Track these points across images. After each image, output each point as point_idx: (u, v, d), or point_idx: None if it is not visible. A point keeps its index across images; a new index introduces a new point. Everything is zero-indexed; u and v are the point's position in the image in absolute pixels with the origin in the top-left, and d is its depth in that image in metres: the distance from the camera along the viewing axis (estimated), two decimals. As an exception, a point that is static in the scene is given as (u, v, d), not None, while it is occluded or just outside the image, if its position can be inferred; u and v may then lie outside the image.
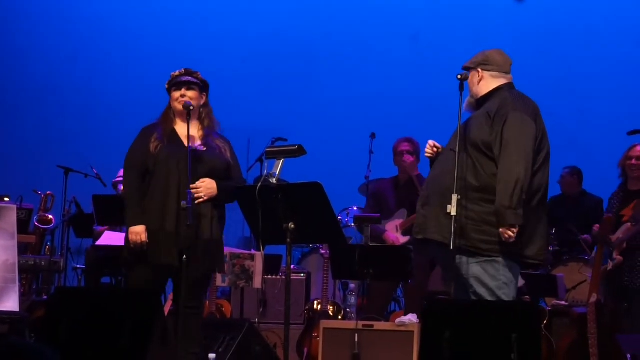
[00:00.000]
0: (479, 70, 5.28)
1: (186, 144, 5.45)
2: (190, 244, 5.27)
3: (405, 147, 7.96)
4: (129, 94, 11.13)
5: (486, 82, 5.28)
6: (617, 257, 6.81)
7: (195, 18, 11.62)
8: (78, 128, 11.15)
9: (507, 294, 4.99)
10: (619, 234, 6.89)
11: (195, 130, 5.59)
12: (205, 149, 5.52)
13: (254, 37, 11.52)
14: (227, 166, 5.61)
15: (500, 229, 4.89)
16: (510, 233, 4.88)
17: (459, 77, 5.16)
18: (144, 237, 5.34)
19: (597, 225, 6.96)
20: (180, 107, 5.52)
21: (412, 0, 11.63)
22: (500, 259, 4.98)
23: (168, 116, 5.61)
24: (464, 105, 5.22)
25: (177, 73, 5.64)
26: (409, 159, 7.90)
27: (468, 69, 5.30)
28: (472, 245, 4.96)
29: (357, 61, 11.38)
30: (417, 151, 7.89)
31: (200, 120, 5.63)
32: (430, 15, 11.49)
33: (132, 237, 5.35)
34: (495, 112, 5.07)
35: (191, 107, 5.46)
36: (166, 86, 5.65)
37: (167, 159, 5.43)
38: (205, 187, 5.39)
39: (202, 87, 5.63)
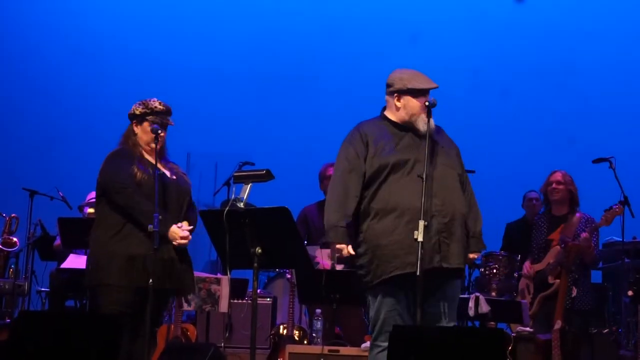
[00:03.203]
0: None
1: (169, 176, 5.49)
2: (172, 269, 5.31)
3: (331, 172, 7.98)
4: (95, 117, 11.09)
5: None
6: (555, 281, 7.08)
7: (163, 43, 11.61)
8: (44, 150, 11.09)
9: None
10: (549, 258, 7.21)
11: (153, 159, 5.56)
12: (175, 177, 5.53)
13: (221, 60, 11.52)
14: (191, 193, 5.65)
15: (476, 255, 5.23)
16: None
17: (427, 103, 5.16)
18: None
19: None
20: (154, 144, 5.51)
21: (409, 2, 11.71)
22: None
23: (136, 143, 5.53)
24: (430, 124, 5.15)
25: (159, 108, 5.52)
26: None
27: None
28: (461, 267, 5.18)
29: (324, 84, 11.40)
30: None
31: (161, 149, 5.59)
32: (428, 17, 11.58)
33: (173, 235, 5.31)
34: (454, 147, 5.32)
35: (161, 134, 5.45)
36: (137, 111, 5.53)
37: (152, 188, 5.36)
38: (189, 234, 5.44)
39: None
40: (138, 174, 5.38)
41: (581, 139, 10.38)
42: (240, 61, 11.50)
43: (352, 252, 5.05)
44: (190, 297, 6.91)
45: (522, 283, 7.60)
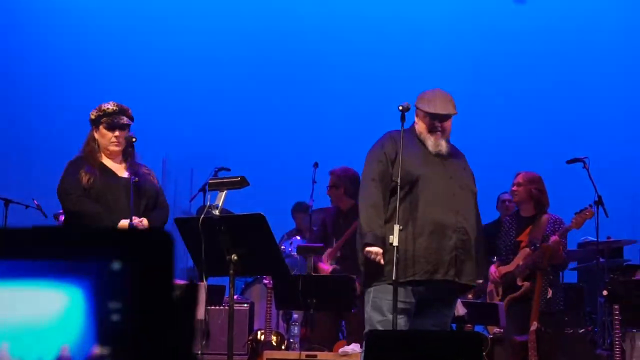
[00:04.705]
0: None
1: (120, 176, 5.51)
2: None
3: (329, 181, 7.96)
4: (70, 125, 11.02)
5: None
6: (524, 283, 7.03)
7: (137, 46, 11.57)
8: (18, 159, 11.03)
9: None
10: (518, 260, 7.16)
11: (118, 161, 5.60)
12: (137, 179, 5.52)
13: (194, 64, 11.50)
14: (157, 193, 5.65)
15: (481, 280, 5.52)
16: None
17: (400, 108, 5.20)
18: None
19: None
20: (115, 148, 5.52)
21: (408, 3, 11.71)
22: None
23: (93, 149, 5.57)
24: (438, 146, 5.30)
25: (111, 109, 5.55)
26: (331, 192, 7.91)
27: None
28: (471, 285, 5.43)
29: (299, 89, 11.39)
30: (337, 183, 7.88)
31: (125, 151, 5.63)
32: (428, 18, 11.58)
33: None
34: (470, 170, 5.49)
35: (133, 139, 5.46)
36: (92, 116, 5.58)
37: (103, 192, 5.42)
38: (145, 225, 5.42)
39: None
40: (84, 178, 5.42)
41: (580, 140, 10.43)
42: (216, 65, 11.48)
43: (382, 262, 5.12)
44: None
45: (490, 285, 7.61)
